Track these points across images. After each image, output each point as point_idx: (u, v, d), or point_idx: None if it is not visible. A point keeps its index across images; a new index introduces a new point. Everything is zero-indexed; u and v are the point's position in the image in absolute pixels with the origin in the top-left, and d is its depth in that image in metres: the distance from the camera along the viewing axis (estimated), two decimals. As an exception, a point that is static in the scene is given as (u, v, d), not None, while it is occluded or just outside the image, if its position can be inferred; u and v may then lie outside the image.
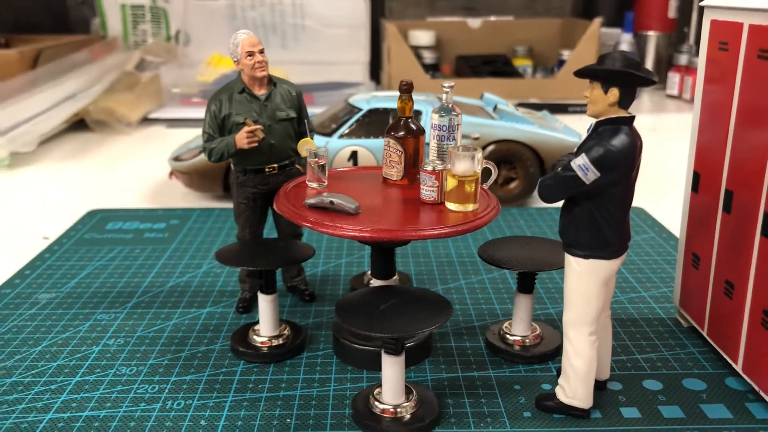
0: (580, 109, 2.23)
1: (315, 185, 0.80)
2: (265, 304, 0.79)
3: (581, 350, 0.66)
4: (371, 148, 1.26)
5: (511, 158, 1.29)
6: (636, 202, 1.30)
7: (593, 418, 0.69)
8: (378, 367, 0.69)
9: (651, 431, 0.67)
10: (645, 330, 0.86)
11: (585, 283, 0.65)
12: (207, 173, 1.31)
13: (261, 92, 0.84)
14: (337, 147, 1.26)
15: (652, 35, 2.59)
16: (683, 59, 2.48)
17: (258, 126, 0.81)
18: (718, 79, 0.76)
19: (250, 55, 0.81)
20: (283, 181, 0.85)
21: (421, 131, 0.80)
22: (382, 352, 0.66)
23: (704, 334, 0.81)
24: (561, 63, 2.45)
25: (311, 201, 0.73)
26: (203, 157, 1.30)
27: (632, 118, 0.62)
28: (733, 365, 0.74)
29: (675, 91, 2.47)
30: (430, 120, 1.24)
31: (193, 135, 1.61)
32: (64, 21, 2.68)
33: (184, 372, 0.77)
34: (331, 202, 0.71)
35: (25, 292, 0.96)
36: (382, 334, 0.63)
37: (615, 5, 2.60)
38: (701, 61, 0.79)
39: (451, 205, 0.73)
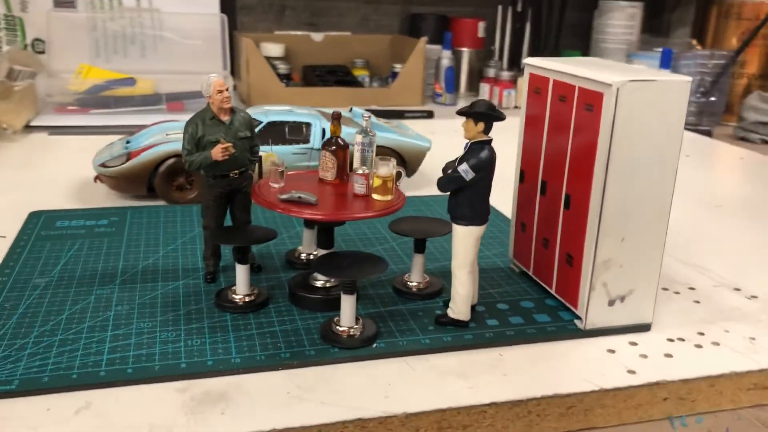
0: (413, 115, 2.67)
1: (276, 185, 1.13)
2: (241, 271, 1.11)
3: (463, 282, 1.06)
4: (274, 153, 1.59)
5: (381, 159, 1.67)
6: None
7: (471, 327, 1.09)
8: (324, 309, 1.06)
9: (505, 330, 1.08)
10: (492, 275, 1.28)
11: (465, 241, 1.05)
12: (133, 177, 1.57)
13: (226, 118, 1.15)
14: (245, 153, 1.57)
15: (466, 51, 3.11)
16: (491, 72, 3.03)
17: (229, 144, 1.12)
18: (535, 111, 1.19)
19: (219, 92, 1.12)
20: (240, 183, 1.17)
21: (347, 146, 1.16)
22: (342, 292, 1.01)
23: (531, 274, 1.24)
24: (394, 74, 2.89)
25: (284, 196, 1.06)
26: (129, 164, 1.55)
27: (491, 140, 1.02)
28: (550, 291, 1.18)
29: (485, 99, 3.01)
30: (319, 131, 1.60)
31: (103, 142, 1.83)
32: None
33: (189, 322, 1.07)
34: (300, 198, 1.05)
35: (20, 278, 1.19)
36: (346, 278, 0.99)
37: (435, 26, 3.09)
38: (523, 98, 1.22)
39: (376, 196, 1.09)
